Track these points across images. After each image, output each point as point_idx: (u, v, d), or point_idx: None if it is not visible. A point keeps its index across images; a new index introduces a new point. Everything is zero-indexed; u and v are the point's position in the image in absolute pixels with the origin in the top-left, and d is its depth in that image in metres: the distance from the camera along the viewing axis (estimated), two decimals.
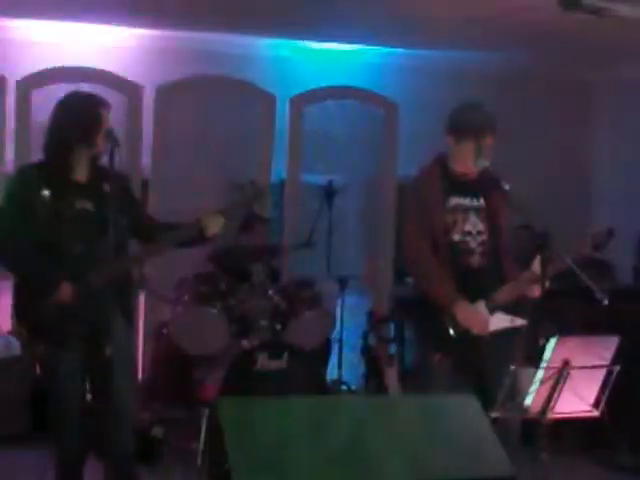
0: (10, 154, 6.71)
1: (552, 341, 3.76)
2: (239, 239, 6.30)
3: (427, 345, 4.46)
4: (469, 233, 4.39)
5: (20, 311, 4.13)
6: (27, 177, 4.16)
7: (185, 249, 4.38)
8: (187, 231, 4.21)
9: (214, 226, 4.18)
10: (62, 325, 4.02)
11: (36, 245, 4.02)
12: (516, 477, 3.35)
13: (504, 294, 4.34)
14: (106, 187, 4.07)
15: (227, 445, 3.15)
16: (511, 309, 4.34)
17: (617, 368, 3.82)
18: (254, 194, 4.38)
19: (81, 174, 4.15)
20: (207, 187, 6.89)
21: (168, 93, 7.08)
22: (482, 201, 4.44)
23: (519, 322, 4.34)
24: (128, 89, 6.99)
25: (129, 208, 4.18)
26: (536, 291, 4.17)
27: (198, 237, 4.21)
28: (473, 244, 4.39)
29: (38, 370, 5.65)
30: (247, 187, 4.39)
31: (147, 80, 7.02)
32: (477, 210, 4.43)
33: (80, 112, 4.12)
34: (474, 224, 4.41)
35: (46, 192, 4.03)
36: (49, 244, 4.02)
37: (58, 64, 6.78)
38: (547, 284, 4.15)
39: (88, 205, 4.11)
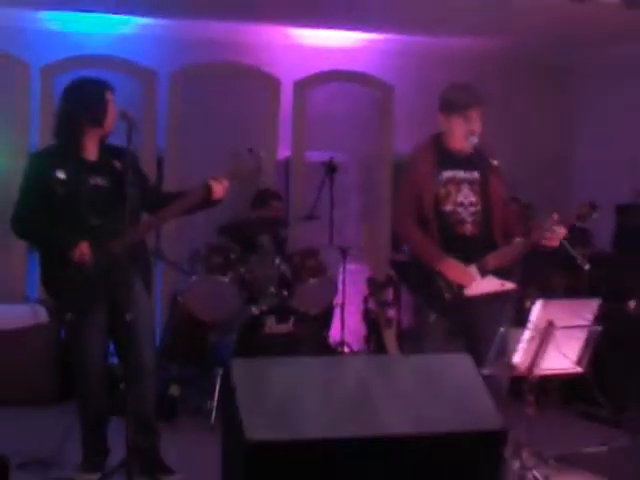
0: (35, 140, 6.69)
1: (537, 303, 3.99)
2: (254, 214, 6.41)
3: (424, 308, 4.54)
4: (461, 204, 4.46)
5: (46, 280, 4.33)
6: (40, 161, 4.35)
7: (194, 214, 4.50)
8: (195, 195, 4.32)
9: (220, 190, 4.30)
10: (86, 292, 4.20)
11: (55, 220, 4.22)
12: (506, 430, 3.42)
13: (495, 258, 4.41)
14: (117, 164, 4.28)
15: (239, 402, 3.24)
16: (501, 274, 4.43)
17: (598, 328, 4.03)
18: (254, 160, 4.48)
19: (92, 153, 4.32)
20: (216, 165, 7.02)
21: (180, 78, 7.17)
22: (476, 174, 4.48)
23: (509, 286, 4.43)
24: (143, 75, 7.11)
25: (139, 182, 4.32)
26: (555, 240, 4.25)
27: (205, 201, 4.33)
28: (465, 214, 4.46)
29: (64, 336, 5.89)
30: (245, 154, 4.50)
31: (161, 67, 7.13)
32: (471, 182, 4.48)
33: (87, 96, 4.28)
34: (466, 195, 4.46)
35: (60, 173, 4.21)
36: (67, 220, 4.21)
37: (79, 52, 6.90)
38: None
39: (101, 181, 4.28)
